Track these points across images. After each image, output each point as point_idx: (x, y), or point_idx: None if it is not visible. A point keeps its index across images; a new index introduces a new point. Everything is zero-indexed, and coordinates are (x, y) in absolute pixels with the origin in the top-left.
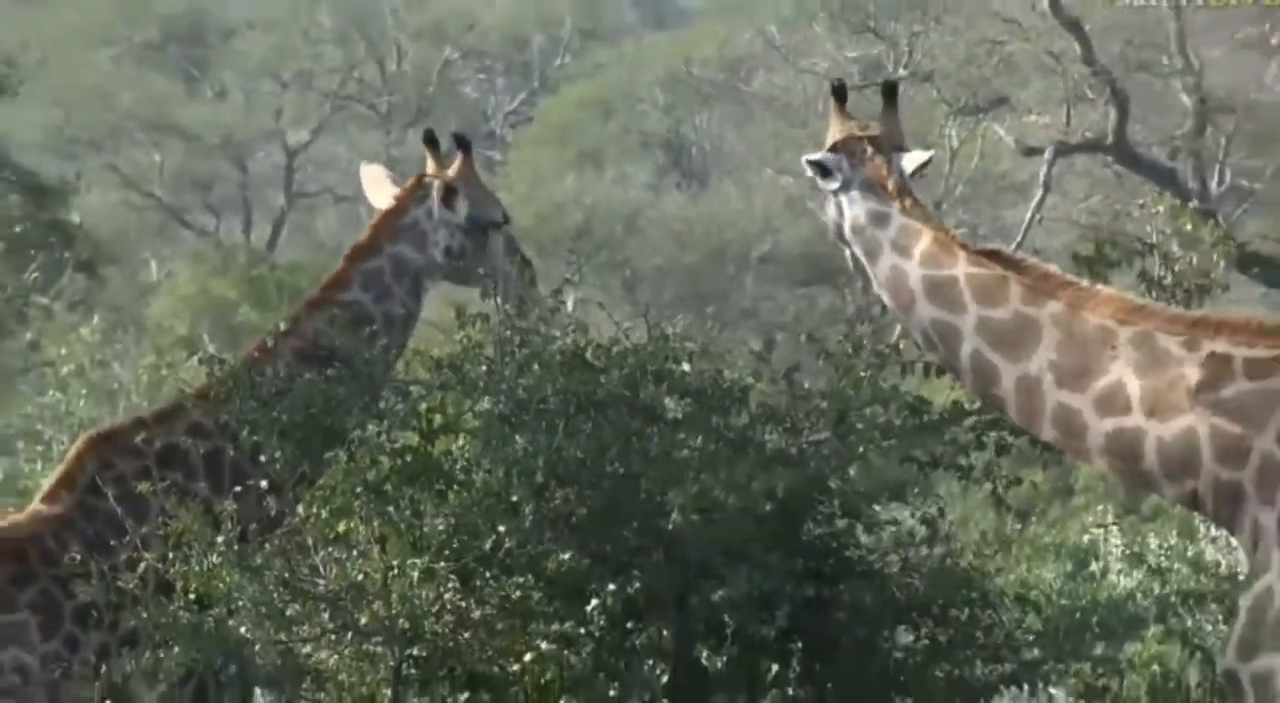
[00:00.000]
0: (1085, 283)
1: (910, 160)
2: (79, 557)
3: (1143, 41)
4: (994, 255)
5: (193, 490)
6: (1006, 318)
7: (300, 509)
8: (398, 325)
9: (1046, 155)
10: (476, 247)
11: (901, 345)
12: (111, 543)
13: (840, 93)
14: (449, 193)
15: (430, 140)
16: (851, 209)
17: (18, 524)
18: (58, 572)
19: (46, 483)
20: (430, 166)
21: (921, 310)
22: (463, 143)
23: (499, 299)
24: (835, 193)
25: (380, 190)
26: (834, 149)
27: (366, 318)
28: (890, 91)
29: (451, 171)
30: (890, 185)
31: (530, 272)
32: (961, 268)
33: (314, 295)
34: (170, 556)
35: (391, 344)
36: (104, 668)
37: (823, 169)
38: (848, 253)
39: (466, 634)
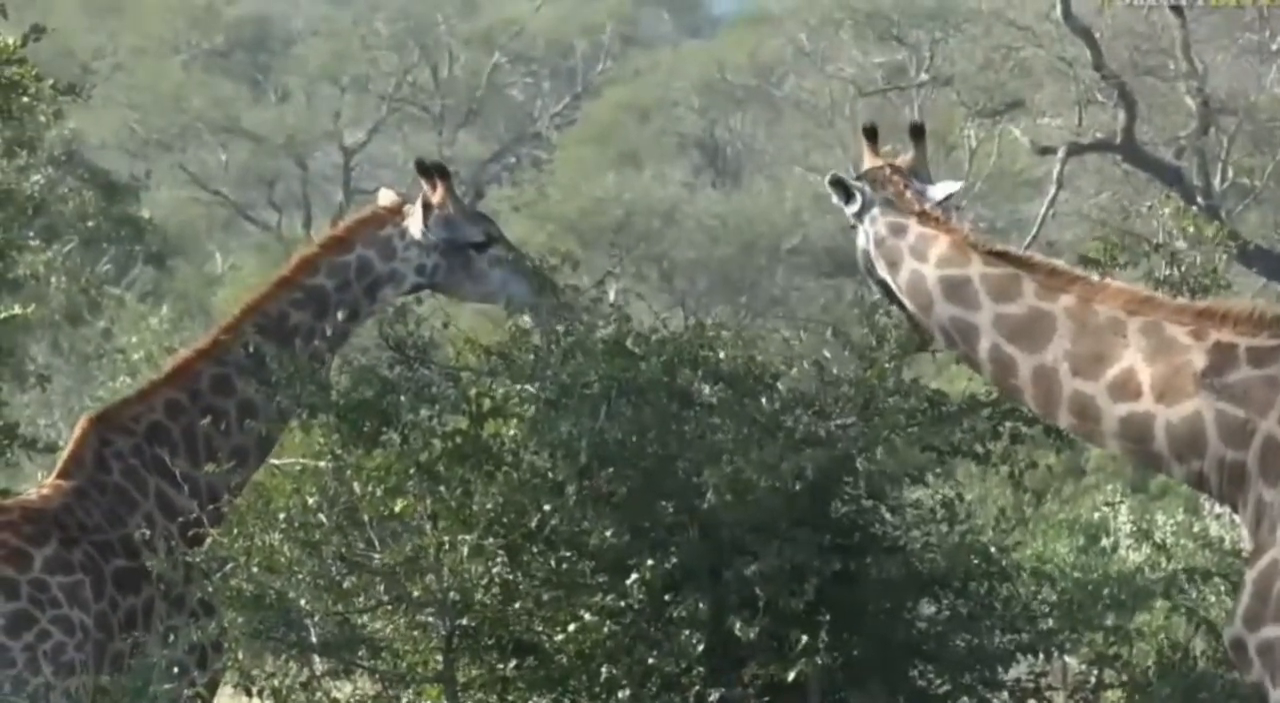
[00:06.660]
0: (1094, 277)
1: (940, 189)
2: (108, 525)
3: (1149, 47)
4: (1004, 256)
5: (177, 466)
6: (1021, 313)
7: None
8: (346, 315)
9: (1059, 154)
10: (456, 265)
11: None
12: (120, 514)
13: (872, 134)
14: (426, 209)
15: (423, 169)
16: (874, 226)
17: (47, 497)
18: (94, 538)
19: (59, 462)
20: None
21: (940, 310)
22: (442, 172)
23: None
24: (858, 216)
25: None
26: (859, 179)
27: (324, 300)
28: (917, 132)
29: (435, 198)
30: (908, 197)
31: (555, 293)
32: (976, 268)
33: (285, 276)
34: (234, 531)
35: (331, 328)
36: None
37: (845, 190)
38: (874, 283)
39: (514, 606)
